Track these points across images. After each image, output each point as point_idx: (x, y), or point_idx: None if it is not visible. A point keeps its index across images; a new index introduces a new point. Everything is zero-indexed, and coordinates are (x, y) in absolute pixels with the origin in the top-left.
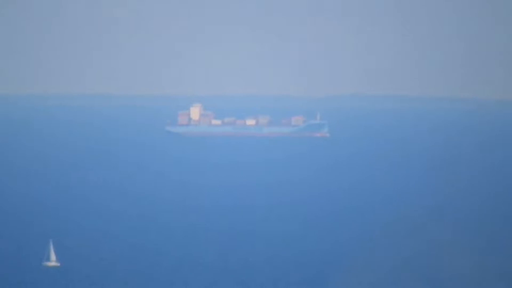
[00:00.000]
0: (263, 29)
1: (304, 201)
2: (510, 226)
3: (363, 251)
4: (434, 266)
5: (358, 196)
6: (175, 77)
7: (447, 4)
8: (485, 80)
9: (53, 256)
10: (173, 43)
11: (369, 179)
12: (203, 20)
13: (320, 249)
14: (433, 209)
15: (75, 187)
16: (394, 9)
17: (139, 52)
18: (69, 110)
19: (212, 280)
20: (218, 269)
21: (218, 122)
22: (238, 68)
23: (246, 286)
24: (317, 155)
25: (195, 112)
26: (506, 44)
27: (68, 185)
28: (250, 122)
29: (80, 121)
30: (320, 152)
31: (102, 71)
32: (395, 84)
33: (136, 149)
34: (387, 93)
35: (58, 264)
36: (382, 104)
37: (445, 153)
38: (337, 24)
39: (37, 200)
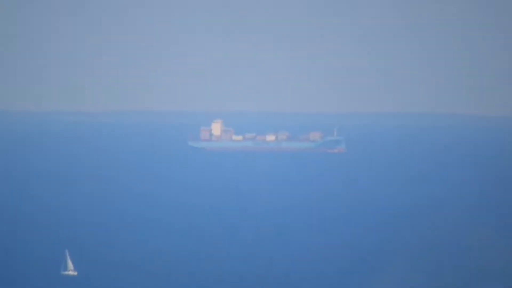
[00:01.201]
0: (283, 48)
1: (322, 213)
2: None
3: (377, 260)
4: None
5: (374, 209)
6: (196, 94)
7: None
8: (499, 96)
9: (70, 265)
10: (196, 61)
11: (385, 193)
12: (224, 39)
13: (335, 259)
14: (449, 221)
15: (99, 198)
16: (409, 29)
17: (162, 69)
18: (94, 126)
19: None
20: (237, 276)
21: (239, 137)
22: (257, 86)
23: None
24: (335, 170)
25: (216, 127)
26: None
27: (91, 196)
28: (270, 138)
29: (105, 136)
30: (338, 167)
31: (126, 88)
32: (410, 101)
33: (160, 163)
34: (402, 111)
35: (76, 273)
36: (398, 121)
37: (460, 168)
38: (353, 44)
39: (59, 210)
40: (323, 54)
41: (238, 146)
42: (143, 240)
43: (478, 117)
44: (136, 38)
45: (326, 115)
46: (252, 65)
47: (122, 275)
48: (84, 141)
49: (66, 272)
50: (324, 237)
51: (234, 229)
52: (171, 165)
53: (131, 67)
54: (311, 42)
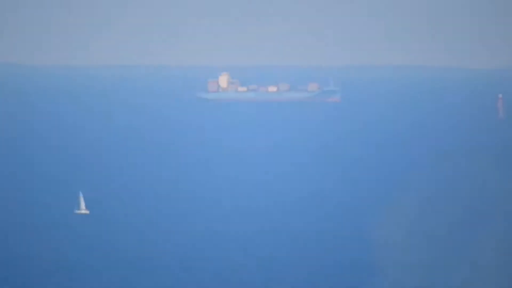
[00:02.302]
0: (283, 5)
1: (317, 156)
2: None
3: (367, 210)
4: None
5: (366, 154)
6: (204, 49)
7: None
8: (491, 49)
9: (82, 205)
10: (202, 18)
11: (377, 139)
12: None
13: (328, 211)
14: (441, 170)
15: (112, 146)
16: None
17: (168, 25)
18: (103, 80)
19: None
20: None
21: (243, 89)
22: (260, 41)
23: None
24: (330, 117)
25: (223, 80)
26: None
27: (105, 146)
28: (272, 88)
29: (116, 89)
30: (333, 115)
31: (134, 43)
32: (403, 53)
33: (170, 114)
34: (394, 63)
35: (88, 212)
36: (390, 73)
37: (452, 117)
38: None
39: (74, 155)
40: (320, 10)
41: (242, 97)
42: (151, 189)
43: (471, 70)
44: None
45: (323, 67)
46: (255, 22)
47: (131, 215)
48: (93, 93)
49: (79, 211)
50: (316, 179)
51: (239, 173)
52: (182, 114)
53: (138, 23)
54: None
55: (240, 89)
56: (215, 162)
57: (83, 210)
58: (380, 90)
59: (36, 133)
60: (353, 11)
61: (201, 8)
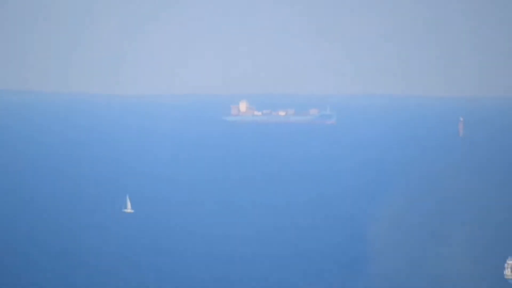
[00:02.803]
0: (290, 46)
1: (315, 165)
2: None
3: (362, 217)
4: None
5: (357, 165)
6: (226, 79)
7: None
8: (482, 77)
9: (129, 205)
10: (227, 54)
11: (366, 154)
12: (243, 31)
13: (326, 215)
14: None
15: (155, 158)
16: (396, 12)
17: (194, 59)
18: (151, 106)
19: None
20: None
21: (259, 113)
22: (271, 74)
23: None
24: (327, 137)
25: (242, 106)
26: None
27: (150, 157)
28: (281, 113)
29: (158, 113)
30: (330, 135)
31: (167, 76)
32: (391, 85)
33: (200, 134)
34: (383, 93)
35: (132, 211)
36: (379, 101)
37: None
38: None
39: (122, 165)
40: (321, 48)
41: (258, 120)
42: (186, 191)
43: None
44: (177, 29)
45: (322, 96)
46: (268, 58)
47: (172, 214)
48: (144, 115)
49: (126, 210)
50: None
51: (256, 176)
52: (211, 132)
53: (175, 52)
54: (310, 36)
55: (256, 113)
56: (236, 168)
57: (129, 209)
58: (370, 116)
59: (98, 145)
60: (349, 47)
61: (225, 45)
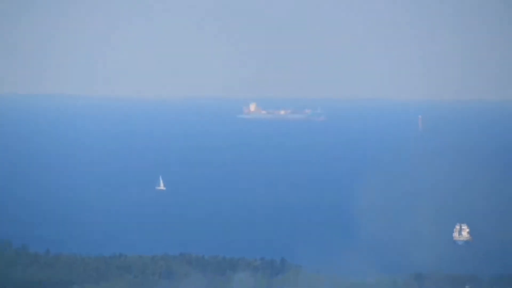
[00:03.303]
0: (280, 53)
1: (308, 151)
2: None
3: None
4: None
5: (342, 154)
6: (240, 86)
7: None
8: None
9: (161, 184)
10: (241, 65)
11: (348, 144)
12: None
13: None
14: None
15: (182, 148)
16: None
17: (212, 67)
18: (178, 109)
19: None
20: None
21: (264, 112)
22: (274, 81)
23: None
24: (318, 131)
25: (252, 107)
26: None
27: (178, 148)
28: (282, 112)
29: (183, 114)
30: (320, 129)
31: (195, 77)
32: (374, 88)
33: (222, 127)
34: (365, 96)
35: (164, 188)
36: (361, 103)
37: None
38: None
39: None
40: (315, 59)
41: (264, 117)
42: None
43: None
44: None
45: (314, 98)
46: (273, 69)
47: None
48: (174, 116)
49: (159, 188)
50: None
51: (263, 161)
52: (228, 127)
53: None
54: (303, 44)
55: (262, 112)
56: (247, 155)
57: (161, 186)
58: (353, 115)
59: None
60: (337, 58)
61: (241, 58)
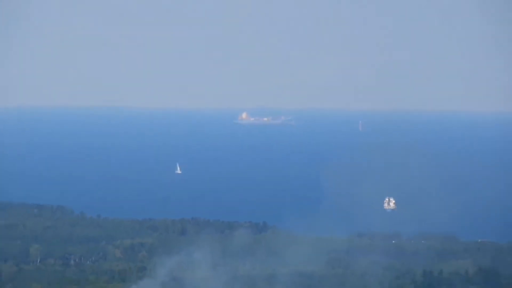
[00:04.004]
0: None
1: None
2: None
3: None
4: None
5: (307, 148)
6: (234, 97)
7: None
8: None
9: (178, 169)
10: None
11: (310, 143)
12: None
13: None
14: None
15: (195, 144)
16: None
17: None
18: (192, 118)
19: None
20: None
21: (253, 119)
22: (261, 95)
23: None
24: (289, 133)
25: (245, 115)
26: None
27: (192, 145)
28: (265, 119)
29: (188, 122)
30: (291, 131)
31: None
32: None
33: (224, 129)
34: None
35: (181, 172)
36: (326, 112)
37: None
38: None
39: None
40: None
41: (253, 123)
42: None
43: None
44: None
45: (287, 109)
46: (261, 83)
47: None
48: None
49: (177, 171)
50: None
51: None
52: (228, 129)
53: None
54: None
55: (251, 119)
56: (240, 147)
57: (178, 170)
58: (317, 122)
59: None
60: (305, 73)
61: (241, 73)
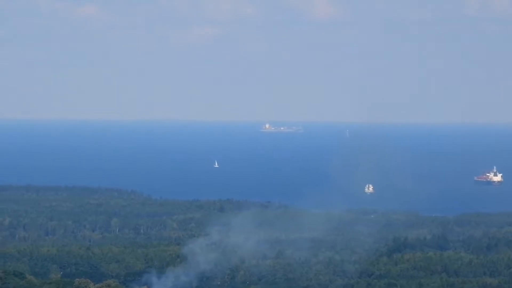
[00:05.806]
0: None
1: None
2: None
3: None
4: None
5: (310, 153)
6: (259, 112)
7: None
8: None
9: (216, 163)
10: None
11: (315, 146)
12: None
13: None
14: None
15: (226, 148)
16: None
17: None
18: (219, 130)
19: None
20: None
21: (274, 128)
22: (279, 110)
23: None
24: (299, 138)
25: (267, 125)
26: None
27: (224, 148)
28: (282, 128)
29: (222, 133)
30: (299, 137)
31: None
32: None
33: (252, 136)
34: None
35: (218, 166)
36: (328, 124)
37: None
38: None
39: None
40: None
41: (274, 131)
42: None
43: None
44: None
45: (298, 120)
46: (279, 100)
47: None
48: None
49: (215, 165)
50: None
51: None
52: (255, 136)
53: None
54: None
55: (272, 128)
56: (263, 150)
57: (216, 165)
58: (321, 132)
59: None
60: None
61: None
